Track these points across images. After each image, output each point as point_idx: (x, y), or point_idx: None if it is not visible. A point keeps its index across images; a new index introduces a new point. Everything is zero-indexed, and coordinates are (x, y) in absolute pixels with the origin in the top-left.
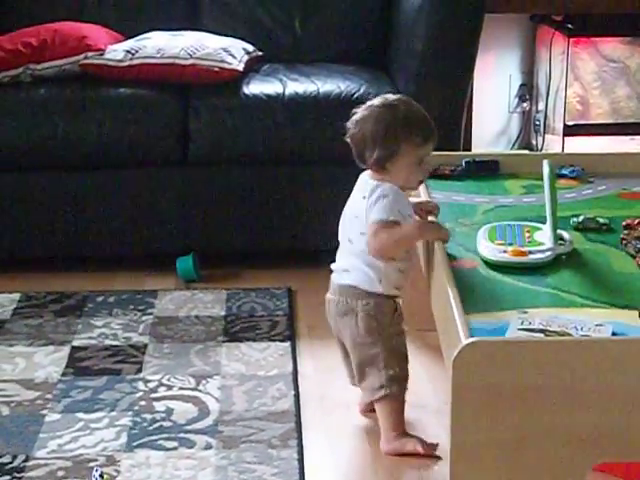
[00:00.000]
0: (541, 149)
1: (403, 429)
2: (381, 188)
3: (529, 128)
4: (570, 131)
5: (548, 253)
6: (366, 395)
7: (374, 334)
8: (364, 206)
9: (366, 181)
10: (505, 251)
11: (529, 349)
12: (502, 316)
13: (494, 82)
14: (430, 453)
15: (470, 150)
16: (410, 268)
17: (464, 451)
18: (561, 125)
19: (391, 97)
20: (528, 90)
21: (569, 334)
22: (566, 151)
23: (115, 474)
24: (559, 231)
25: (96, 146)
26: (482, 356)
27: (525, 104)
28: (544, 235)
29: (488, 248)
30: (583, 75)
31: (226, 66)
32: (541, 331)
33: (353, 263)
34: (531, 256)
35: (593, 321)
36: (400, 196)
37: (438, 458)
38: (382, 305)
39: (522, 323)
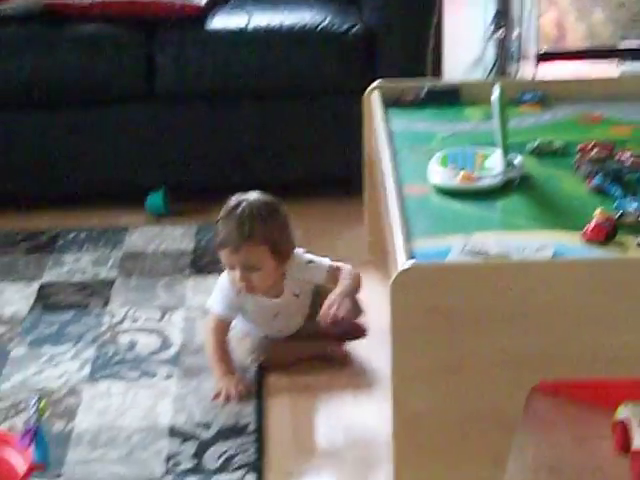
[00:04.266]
0: (515, 76)
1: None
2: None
3: (505, 56)
4: (544, 57)
5: (497, 178)
6: None
7: None
8: None
9: None
10: (455, 177)
11: (465, 272)
12: (446, 240)
13: (468, 10)
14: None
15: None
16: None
17: (404, 375)
18: (535, 51)
19: (235, 203)
20: (503, 17)
21: (509, 257)
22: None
23: (76, 404)
24: (510, 156)
25: (62, 83)
26: (419, 280)
27: (500, 31)
28: (495, 160)
29: (439, 174)
30: (558, 0)
31: (186, 2)
32: (482, 254)
33: None
34: (480, 181)
35: (535, 243)
36: (228, 291)
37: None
38: None
39: (464, 247)
